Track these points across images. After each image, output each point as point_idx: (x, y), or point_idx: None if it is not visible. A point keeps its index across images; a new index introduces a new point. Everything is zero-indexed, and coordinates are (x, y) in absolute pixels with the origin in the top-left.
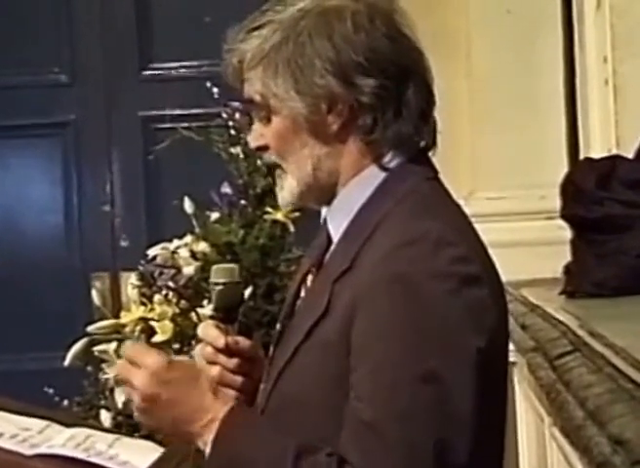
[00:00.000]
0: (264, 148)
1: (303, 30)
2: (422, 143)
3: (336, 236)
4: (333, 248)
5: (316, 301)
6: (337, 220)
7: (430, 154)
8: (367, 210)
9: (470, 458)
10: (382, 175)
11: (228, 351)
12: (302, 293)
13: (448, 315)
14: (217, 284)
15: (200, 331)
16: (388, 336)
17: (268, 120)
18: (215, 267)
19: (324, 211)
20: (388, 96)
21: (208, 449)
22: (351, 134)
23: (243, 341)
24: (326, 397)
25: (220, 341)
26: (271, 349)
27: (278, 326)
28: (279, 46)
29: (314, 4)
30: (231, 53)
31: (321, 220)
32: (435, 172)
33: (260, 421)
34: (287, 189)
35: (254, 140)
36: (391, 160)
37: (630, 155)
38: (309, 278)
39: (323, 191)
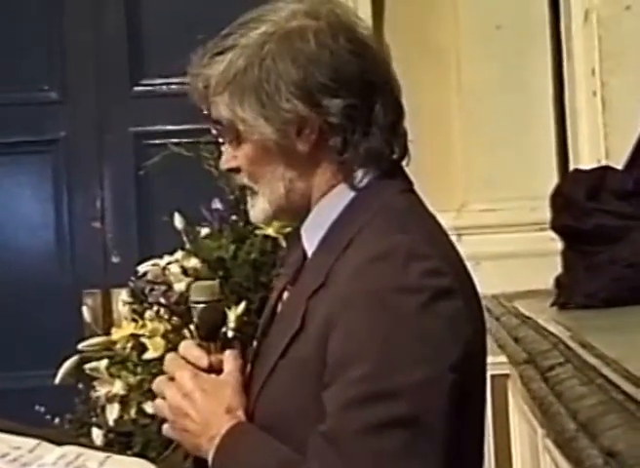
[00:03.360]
0: (236, 170)
1: (267, 54)
2: (394, 156)
3: (310, 252)
4: (307, 263)
5: (291, 318)
6: (310, 236)
7: (404, 165)
8: (339, 225)
9: None
10: (353, 191)
11: (212, 370)
12: (279, 310)
13: (420, 330)
14: (197, 302)
15: (182, 350)
16: (360, 354)
17: (238, 143)
18: (194, 285)
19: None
20: (357, 114)
21: (210, 462)
22: (322, 154)
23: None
24: (304, 414)
25: (204, 361)
26: (249, 366)
27: (255, 342)
28: (244, 71)
29: (277, 27)
30: (196, 78)
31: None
32: (409, 183)
33: (252, 439)
34: (259, 209)
35: (225, 163)
36: (363, 176)
37: (620, 166)
38: (285, 294)
39: (296, 211)
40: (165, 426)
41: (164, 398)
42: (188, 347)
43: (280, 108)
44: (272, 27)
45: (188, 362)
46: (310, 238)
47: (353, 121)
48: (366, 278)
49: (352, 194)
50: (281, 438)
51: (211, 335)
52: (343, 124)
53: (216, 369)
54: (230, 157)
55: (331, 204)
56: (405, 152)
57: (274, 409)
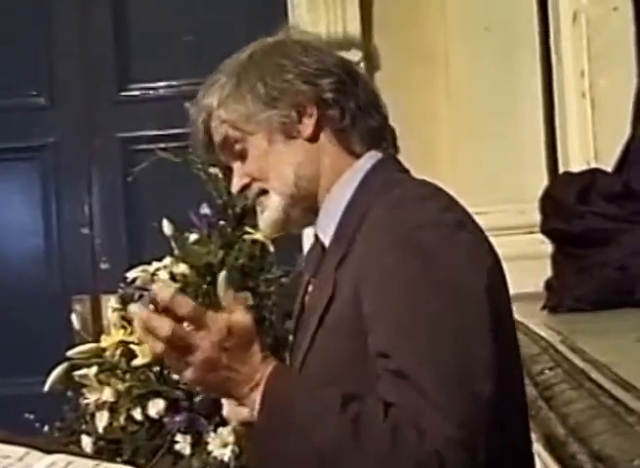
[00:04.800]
0: (248, 185)
1: (258, 59)
2: (389, 142)
3: (327, 241)
4: (328, 249)
5: (321, 296)
6: (326, 226)
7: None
8: (352, 207)
9: (496, 387)
10: (360, 175)
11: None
12: (307, 301)
13: (449, 259)
14: None
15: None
16: (398, 292)
17: (244, 154)
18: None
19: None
20: (347, 90)
21: (257, 406)
22: (323, 131)
23: None
24: (347, 370)
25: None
26: (287, 358)
27: (291, 337)
28: (240, 77)
29: (257, 46)
30: (198, 114)
31: (312, 235)
32: (405, 169)
33: (302, 376)
34: (271, 207)
35: (238, 183)
36: (367, 160)
37: (609, 168)
38: (310, 287)
39: (306, 202)
40: (187, 373)
41: (188, 346)
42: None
43: (280, 90)
44: (254, 48)
45: None
46: (326, 229)
47: (345, 95)
48: (388, 226)
49: (358, 179)
50: None
51: None
52: (337, 98)
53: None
54: (241, 176)
55: (340, 191)
56: (394, 146)
57: (315, 373)
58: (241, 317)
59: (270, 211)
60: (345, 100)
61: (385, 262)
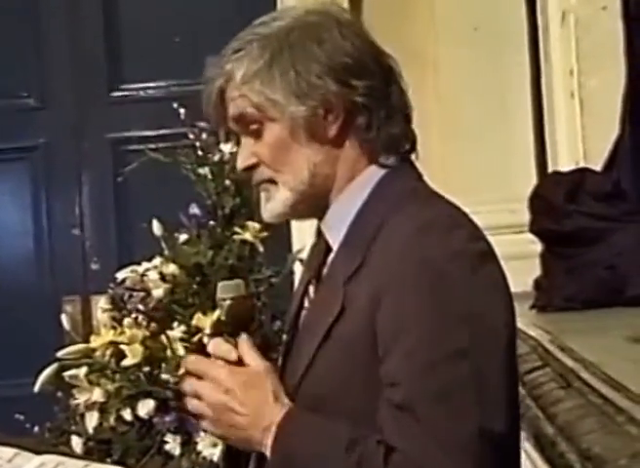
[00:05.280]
0: (255, 166)
1: (295, 40)
2: (407, 147)
3: (335, 243)
4: (334, 254)
5: (328, 304)
6: (335, 228)
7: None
8: (365, 212)
9: (507, 428)
10: (376, 179)
11: (240, 364)
12: (306, 304)
13: (472, 293)
14: (224, 299)
15: (211, 347)
16: (417, 322)
17: (259, 135)
18: (220, 284)
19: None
20: (379, 96)
21: (268, 453)
22: (348, 137)
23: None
24: (355, 394)
25: (233, 355)
26: (280, 360)
27: (285, 337)
28: (273, 56)
29: (297, 20)
30: (215, 78)
31: (315, 233)
32: (420, 175)
33: (311, 420)
34: (278, 200)
35: (244, 160)
36: (385, 163)
37: (598, 168)
38: (311, 289)
39: (316, 199)
40: (204, 423)
41: (198, 397)
42: (217, 343)
43: (311, 85)
44: (293, 20)
45: (217, 358)
46: (335, 230)
47: (376, 102)
48: (413, 250)
49: (373, 182)
50: (331, 413)
51: (238, 331)
52: (368, 104)
53: (244, 362)
54: (249, 153)
55: (354, 193)
56: (414, 146)
57: (320, 393)
58: (250, 361)
59: (277, 203)
60: (375, 107)
61: (409, 291)
